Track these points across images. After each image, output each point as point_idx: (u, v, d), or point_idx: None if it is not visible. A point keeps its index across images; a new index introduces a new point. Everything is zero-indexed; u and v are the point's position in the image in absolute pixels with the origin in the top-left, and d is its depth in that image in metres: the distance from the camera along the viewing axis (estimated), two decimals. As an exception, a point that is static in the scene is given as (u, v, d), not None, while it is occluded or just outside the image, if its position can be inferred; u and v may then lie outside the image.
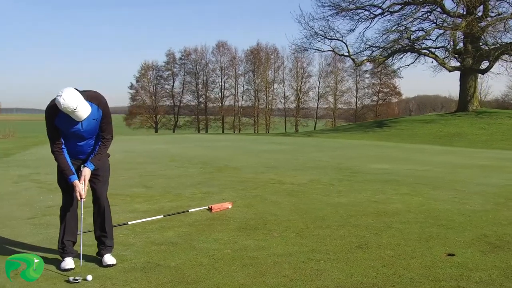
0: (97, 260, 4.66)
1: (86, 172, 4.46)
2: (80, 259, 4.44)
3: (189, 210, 6.84)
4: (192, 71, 74.04)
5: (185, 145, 19.81)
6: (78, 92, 4.09)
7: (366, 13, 32.63)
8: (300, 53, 43.56)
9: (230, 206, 7.07)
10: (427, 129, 30.65)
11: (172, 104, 76.53)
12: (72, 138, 4.41)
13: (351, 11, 31.92)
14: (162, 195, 8.12)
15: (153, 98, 76.14)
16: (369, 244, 5.08)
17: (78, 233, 4.67)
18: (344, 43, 34.55)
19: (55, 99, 4.05)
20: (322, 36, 33.75)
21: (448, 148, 20.13)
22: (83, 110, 4.07)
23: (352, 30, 32.76)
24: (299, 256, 4.73)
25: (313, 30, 33.40)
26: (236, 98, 74.01)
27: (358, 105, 71.79)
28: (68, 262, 4.50)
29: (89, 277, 4.17)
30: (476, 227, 5.70)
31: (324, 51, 37.97)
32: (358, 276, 4.15)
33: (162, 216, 6.56)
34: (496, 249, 4.86)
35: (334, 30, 33.45)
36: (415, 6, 31.03)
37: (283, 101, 73.55)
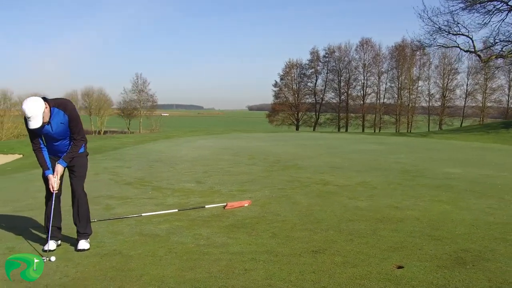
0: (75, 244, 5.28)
1: (58, 168, 5.11)
2: (47, 242, 5.11)
3: (206, 206, 7.21)
4: (335, 69, 73.91)
5: (283, 143, 20.11)
6: (40, 105, 4.73)
7: (500, 5, 29.51)
8: (421, 49, 40.83)
9: (246, 204, 7.28)
10: None
11: (314, 101, 77.21)
12: (47, 139, 5.10)
13: (483, 4, 29.13)
14: (201, 191, 8.60)
15: (296, 95, 77.45)
16: (328, 249, 4.96)
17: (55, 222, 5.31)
18: (470, 38, 31.70)
19: None
20: (446, 31, 31.38)
21: None
22: (35, 121, 4.70)
23: (485, 24, 29.79)
24: (246, 255, 4.83)
25: (437, 26, 31.16)
26: (378, 96, 72.31)
27: (510, 104, 65.34)
28: (50, 244, 5.17)
29: (53, 258, 4.81)
30: (467, 241, 5.18)
31: (448, 47, 35.19)
32: (274, 278, 4.15)
33: (177, 210, 7.01)
34: (458, 265, 4.43)
35: (459, 25, 30.90)
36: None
37: (427, 99, 69.98)
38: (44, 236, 5.52)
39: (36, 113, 4.67)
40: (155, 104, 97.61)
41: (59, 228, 5.39)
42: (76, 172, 5.28)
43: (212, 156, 14.59)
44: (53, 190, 5.10)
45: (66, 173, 5.34)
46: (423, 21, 33.09)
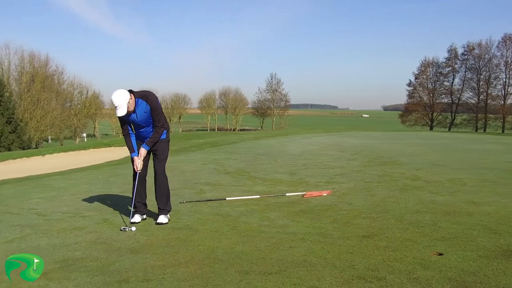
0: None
1: (142, 150, 5.92)
2: (130, 216, 5.96)
3: (286, 194, 7.66)
4: (474, 67, 69.84)
5: (395, 142, 19.64)
6: (126, 96, 5.54)
7: None
8: None
9: (325, 194, 7.58)
10: None
11: (450, 101, 73.70)
12: (134, 126, 5.95)
13: None
14: (290, 181, 9.07)
15: (431, 95, 74.51)
16: (378, 235, 5.11)
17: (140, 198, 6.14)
18: None
19: None
20: None
21: None
22: (120, 109, 5.52)
23: None
24: (298, 235, 5.19)
25: None
26: (521, 95, 66.71)
27: None
28: (135, 217, 6.02)
29: (133, 228, 5.65)
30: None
31: None
32: (311, 255, 4.47)
33: (258, 196, 7.56)
34: (502, 257, 4.23)
35: None
36: None
37: None
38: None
39: (121, 103, 5.48)
40: (288, 104, 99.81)
41: (144, 204, 6.21)
42: (158, 155, 6.04)
43: (317, 151, 14.95)
44: (137, 170, 5.92)
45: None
46: None
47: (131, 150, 5.97)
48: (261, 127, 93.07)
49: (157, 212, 6.13)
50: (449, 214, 6.02)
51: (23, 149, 35.17)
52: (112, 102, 5.56)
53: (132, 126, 5.99)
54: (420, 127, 71.33)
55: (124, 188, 8.66)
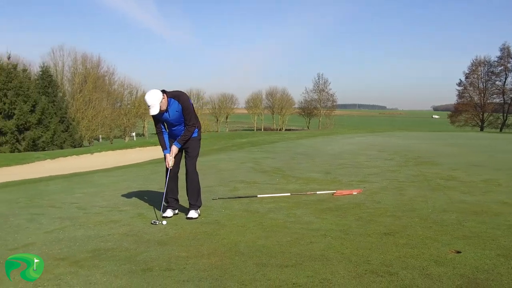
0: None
1: (173, 148, 6.20)
2: (160, 211, 6.25)
3: (317, 192, 7.78)
4: (528, 66, 67.49)
5: (437, 142, 19.23)
6: (159, 96, 5.82)
7: None
8: None
9: (355, 193, 7.66)
10: None
11: (502, 101, 71.33)
12: (168, 125, 6.25)
13: None
14: (323, 180, 9.19)
15: (482, 95, 72.32)
16: (399, 233, 5.17)
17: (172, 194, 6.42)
18: None
19: None
20: None
21: None
22: (153, 108, 5.81)
23: None
24: (320, 231, 5.33)
25: None
26: None
27: None
28: (167, 212, 6.31)
29: (164, 222, 5.93)
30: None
31: None
32: (329, 250, 4.61)
33: (289, 194, 7.72)
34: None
35: None
36: None
37: None
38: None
39: (154, 102, 5.78)
40: (335, 104, 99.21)
41: (176, 199, 6.49)
42: (189, 153, 6.31)
43: (356, 151, 14.94)
44: (169, 166, 6.20)
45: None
46: None
47: (164, 147, 6.26)
48: (308, 127, 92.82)
49: (188, 207, 6.38)
50: (476, 214, 6.00)
51: (74, 147, 36.57)
52: (145, 102, 5.86)
53: (165, 124, 6.27)
54: (470, 127, 69.34)
55: (162, 185, 8.90)
